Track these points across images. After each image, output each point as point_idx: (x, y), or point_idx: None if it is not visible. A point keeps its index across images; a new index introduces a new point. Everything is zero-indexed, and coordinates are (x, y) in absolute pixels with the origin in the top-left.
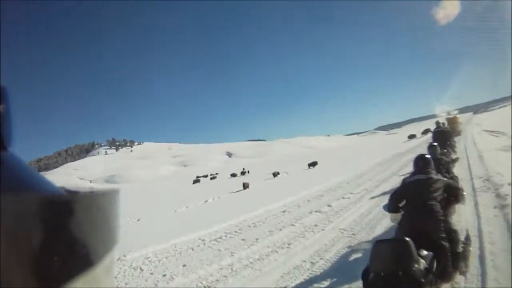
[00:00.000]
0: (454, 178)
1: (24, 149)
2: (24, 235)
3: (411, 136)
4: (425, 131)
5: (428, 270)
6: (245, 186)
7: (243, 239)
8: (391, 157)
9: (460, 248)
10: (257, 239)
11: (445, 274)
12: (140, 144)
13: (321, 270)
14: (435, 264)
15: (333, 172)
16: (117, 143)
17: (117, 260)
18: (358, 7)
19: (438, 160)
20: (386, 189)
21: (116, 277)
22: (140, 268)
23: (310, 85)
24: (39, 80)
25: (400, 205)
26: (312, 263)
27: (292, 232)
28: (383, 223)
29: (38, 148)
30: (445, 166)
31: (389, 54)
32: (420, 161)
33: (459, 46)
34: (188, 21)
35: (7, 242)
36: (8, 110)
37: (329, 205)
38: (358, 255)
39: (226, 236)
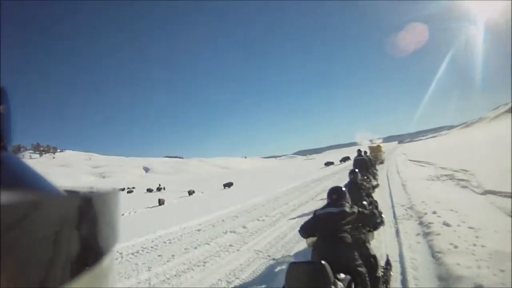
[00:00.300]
0: (373, 202)
1: None
2: (23, 235)
3: (329, 163)
4: (344, 159)
5: None
6: (161, 202)
7: (159, 255)
8: (309, 182)
9: (380, 273)
10: (173, 255)
11: None
12: (62, 151)
13: None
14: (353, 287)
15: (248, 194)
16: (41, 148)
17: None
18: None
19: (359, 185)
20: (302, 213)
21: None
22: None
23: (229, 106)
24: None
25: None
26: (228, 282)
27: (207, 251)
28: (299, 246)
29: None
30: (365, 191)
31: (311, 80)
32: (333, 193)
33: (385, 76)
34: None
35: (6, 242)
36: (8, 110)
37: (244, 227)
38: (274, 276)
39: (143, 250)
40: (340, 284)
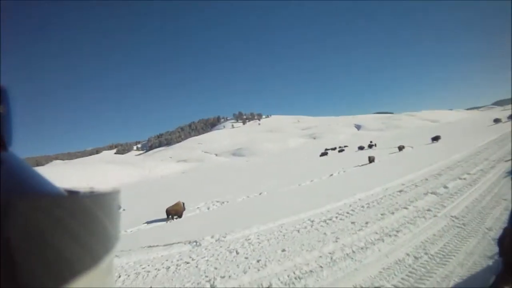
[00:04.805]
0: None
1: (146, 126)
2: (24, 235)
3: (497, 120)
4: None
5: None
6: (371, 160)
7: (352, 222)
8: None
9: None
10: (367, 222)
11: None
12: (268, 117)
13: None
14: None
15: (453, 148)
16: (244, 117)
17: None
18: None
19: None
20: (505, 167)
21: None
22: (236, 252)
23: (437, 62)
24: (161, 61)
25: None
26: (415, 257)
27: (403, 217)
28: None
29: (159, 125)
30: None
31: None
32: None
33: None
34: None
35: (7, 242)
36: (8, 110)
37: (445, 186)
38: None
39: (336, 218)
40: None
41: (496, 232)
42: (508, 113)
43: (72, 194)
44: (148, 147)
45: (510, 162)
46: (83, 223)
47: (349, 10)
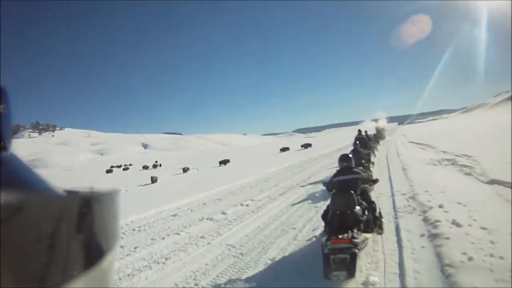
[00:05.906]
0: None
1: None
2: (23, 235)
3: (284, 149)
4: (306, 145)
5: (362, 215)
6: (153, 180)
7: (122, 246)
8: (305, 160)
9: (378, 213)
10: (136, 247)
11: (369, 226)
12: (61, 129)
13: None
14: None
15: (241, 173)
16: (41, 127)
17: None
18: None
19: (359, 153)
20: (291, 198)
21: None
22: None
23: (230, 83)
24: None
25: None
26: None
27: (175, 243)
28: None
29: None
30: (363, 157)
31: (316, 59)
32: (343, 161)
33: (387, 60)
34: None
35: (7, 242)
36: (8, 110)
37: (223, 212)
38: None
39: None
40: (359, 209)
41: (281, 264)
42: (306, 141)
43: (72, 194)
44: None
45: (303, 189)
46: (82, 223)
47: (127, 33)
